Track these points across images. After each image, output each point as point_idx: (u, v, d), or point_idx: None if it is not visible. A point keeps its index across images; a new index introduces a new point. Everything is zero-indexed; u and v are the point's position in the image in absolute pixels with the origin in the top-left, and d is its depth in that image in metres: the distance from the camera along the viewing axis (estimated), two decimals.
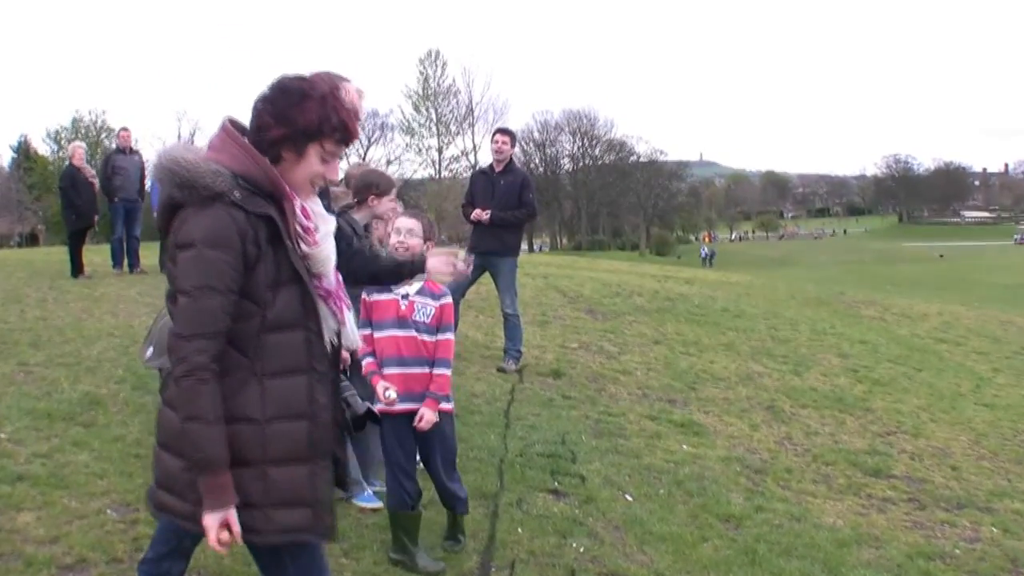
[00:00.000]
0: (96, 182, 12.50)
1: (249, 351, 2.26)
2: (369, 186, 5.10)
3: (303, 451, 2.31)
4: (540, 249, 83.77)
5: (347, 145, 2.38)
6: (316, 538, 2.40)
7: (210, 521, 2.19)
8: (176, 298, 2.26)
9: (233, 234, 2.21)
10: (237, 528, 2.22)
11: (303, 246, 2.35)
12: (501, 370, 7.63)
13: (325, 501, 2.37)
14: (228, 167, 2.25)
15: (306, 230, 2.36)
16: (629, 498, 5.18)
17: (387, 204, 5.12)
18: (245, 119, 2.37)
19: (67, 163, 13.50)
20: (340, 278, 2.53)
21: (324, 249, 2.42)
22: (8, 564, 3.61)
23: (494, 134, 8.15)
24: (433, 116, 73.32)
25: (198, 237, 2.20)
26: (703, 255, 77.90)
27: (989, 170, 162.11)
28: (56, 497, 4.25)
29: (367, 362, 4.02)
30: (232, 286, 2.21)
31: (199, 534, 2.29)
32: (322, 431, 2.36)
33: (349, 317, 2.50)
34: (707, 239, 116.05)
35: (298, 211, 2.35)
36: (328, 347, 2.43)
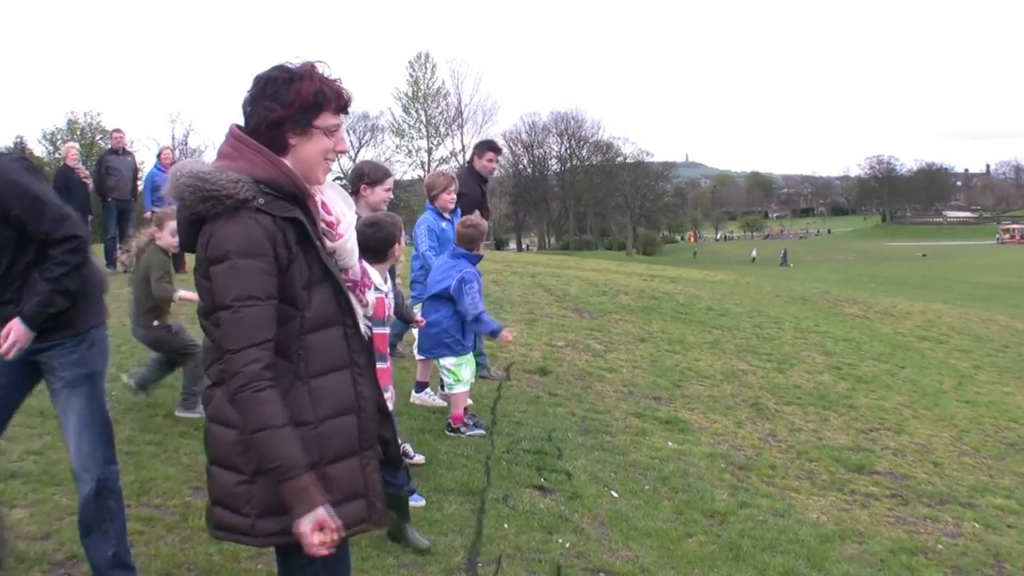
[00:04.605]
0: (90, 182, 12.53)
1: (291, 354, 2.25)
2: (360, 176, 5.14)
3: (354, 445, 2.34)
4: (528, 249, 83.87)
5: (345, 113, 2.37)
6: (374, 527, 2.42)
7: (304, 527, 2.14)
8: (215, 313, 2.22)
9: (264, 240, 2.18)
10: (334, 523, 2.17)
11: (328, 242, 2.36)
12: (484, 377, 7.35)
13: (377, 489, 2.39)
14: (248, 173, 2.22)
15: (329, 225, 2.38)
16: (614, 494, 5.22)
17: (380, 194, 5.15)
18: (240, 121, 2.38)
19: (61, 164, 13.48)
20: (365, 264, 2.57)
21: (349, 241, 2.43)
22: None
23: (484, 150, 7.59)
24: (423, 118, 73.29)
25: (231, 248, 2.17)
26: (752, 256, 75.32)
27: (971, 171, 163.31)
28: (48, 494, 4.26)
29: None
30: (272, 292, 2.19)
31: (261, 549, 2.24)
32: (368, 423, 2.39)
33: (370, 296, 2.54)
34: (692, 238, 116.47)
35: (320, 208, 2.37)
36: (365, 339, 2.46)
